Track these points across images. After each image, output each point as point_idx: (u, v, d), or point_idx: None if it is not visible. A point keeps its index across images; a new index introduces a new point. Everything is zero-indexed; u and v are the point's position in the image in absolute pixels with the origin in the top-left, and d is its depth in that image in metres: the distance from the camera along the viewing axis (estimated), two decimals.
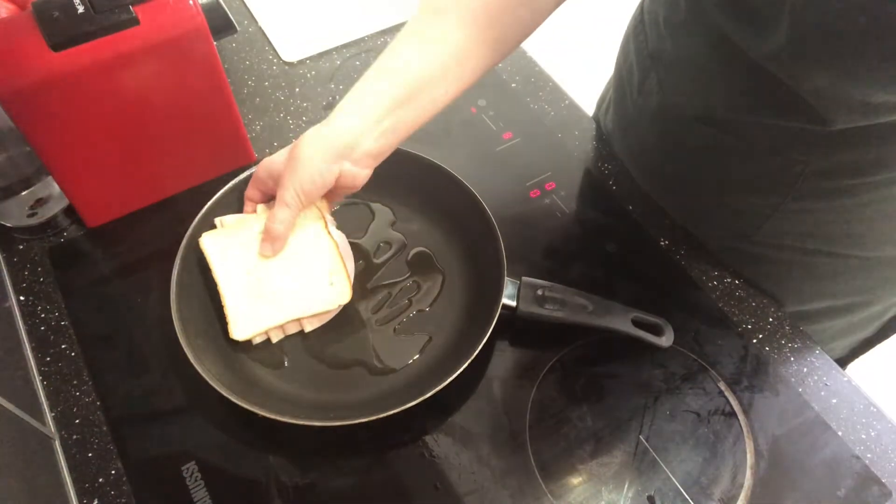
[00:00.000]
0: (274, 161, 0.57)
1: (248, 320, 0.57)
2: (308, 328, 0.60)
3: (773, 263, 0.66)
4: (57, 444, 0.56)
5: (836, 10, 0.42)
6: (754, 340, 0.63)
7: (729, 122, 0.59)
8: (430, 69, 0.53)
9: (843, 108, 0.50)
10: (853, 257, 0.63)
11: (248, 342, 0.59)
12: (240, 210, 0.64)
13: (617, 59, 0.77)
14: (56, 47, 0.54)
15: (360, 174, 0.55)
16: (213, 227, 0.62)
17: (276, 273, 0.59)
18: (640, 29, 0.69)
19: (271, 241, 0.58)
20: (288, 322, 0.58)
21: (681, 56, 0.61)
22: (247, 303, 0.58)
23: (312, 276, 0.59)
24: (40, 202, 0.69)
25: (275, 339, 0.59)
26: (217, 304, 0.61)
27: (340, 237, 0.62)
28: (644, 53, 0.68)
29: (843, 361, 0.80)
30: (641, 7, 0.70)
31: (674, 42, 0.62)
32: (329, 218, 0.61)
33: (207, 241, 0.60)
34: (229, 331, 0.57)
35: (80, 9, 0.55)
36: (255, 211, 0.61)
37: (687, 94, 0.62)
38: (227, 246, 0.60)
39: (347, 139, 0.52)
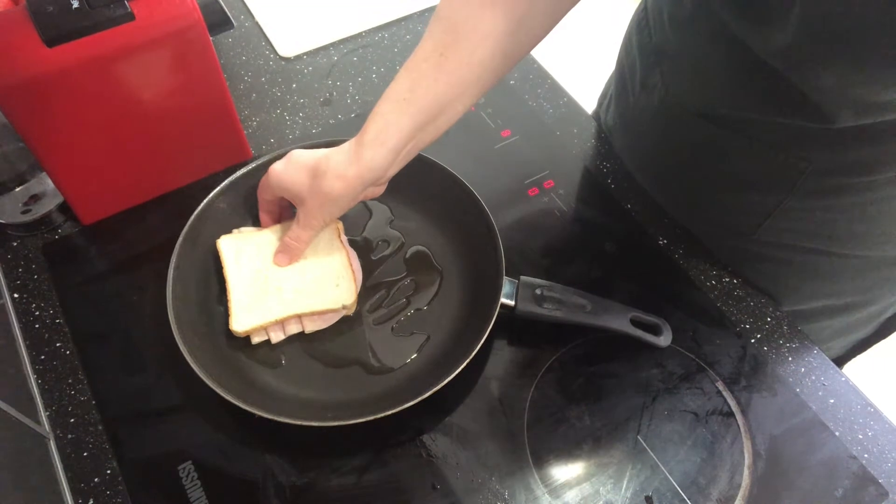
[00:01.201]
0: (286, 179, 0.56)
1: (249, 313, 0.58)
2: (309, 328, 0.60)
3: (773, 262, 0.66)
4: (52, 443, 0.56)
5: (846, 7, 0.42)
6: (752, 340, 0.63)
7: (732, 118, 0.59)
8: (453, 92, 0.52)
9: (849, 106, 0.49)
10: (853, 257, 0.63)
11: (248, 342, 0.59)
12: (238, 208, 0.65)
13: (618, 55, 0.77)
14: (50, 43, 0.54)
15: (379, 191, 0.60)
16: (214, 222, 0.63)
17: (284, 273, 0.61)
18: (643, 25, 0.69)
19: (288, 254, 0.60)
20: (289, 319, 0.59)
21: (685, 52, 0.61)
22: (251, 297, 0.59)
23: (319, 278, 0.60)
24: (34, 199, 0.68)
25: (275, 340, 0.59)
26: (214, 303, 0.61)
27: (350, 251, 0.64)
28: (648, 49, 0.67)
29: (841, 360, 0.80)
30: (645, 3, 0.70)
31: (678, 38, 0.62)
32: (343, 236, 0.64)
33: (224, 242, 0.62)
34: (230, 323, 0.57)
35: (75, 4, 0.55)
36: (274, 220, 0.63)
37: (690, 90, 0.62)
38: (242, 248, 0.62)
39: (375, 175, 0.54)
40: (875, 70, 0.44)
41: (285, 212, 0.64)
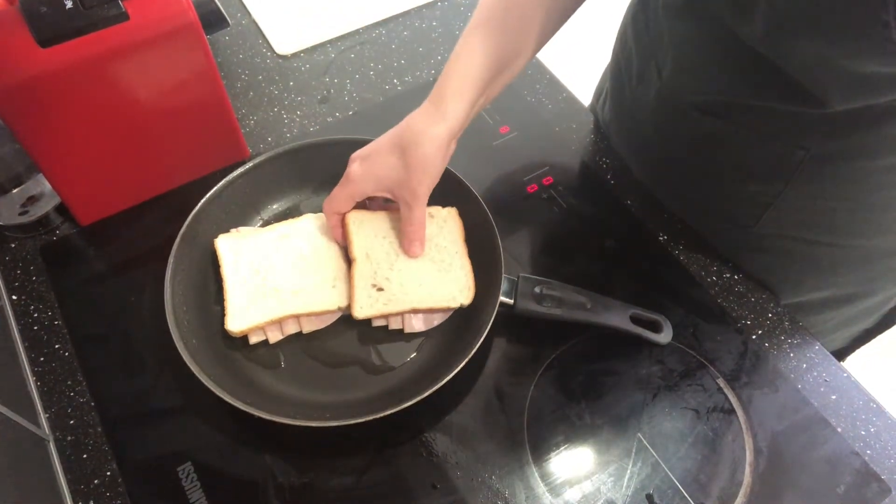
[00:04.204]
0: (376, 171, 0.57)
1: (245, 313, 0.58)
2: (306, 329, 0.60)
3: (774, 254, 0.65)
4: (51, 445, 0.56)
5: None
6: (754, 336, 0.62)
7: (728, 108, 0.58)
8: (517, 46, 0.56)
9: (836, 84, 0.49)
10: (854, 247, 0.63)
11: (247, 342, 0.59)
12: (236, 207, 0.65)
13: (614, 48, 0.76)
14: (44, 43, 0.53)
15: (452, 150, 0.59)
16: (212, 222, 0.63)
17: (282, 273, 0.60)
18: (639, 17, 0.68)
19: (418, 240, 0.60)
20: (286, 319, 0.58)
21: (680, 41, 0.61)
22: (248, 297, 0.59)
23: (316, 279, 0.60)
24: (32, 200, 0.68)
25: (272, 340, 0.59)
26: (212, 303, 0.61)
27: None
28: (644, 41, 0.67)
29: (844, 352, 0.80)
30: None
31: (673, 27, 0.61)
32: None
33: (222, 242, 0.62)
34: (226, 322, 0.57)
35: (69, 4, 0.54)
36: (340, 224, 0.61)
37: (686, 80, 0.61)
38: (239, 247, 0.61)
39: (458, 127, 0.56)
40: (851, 41, 0.44)
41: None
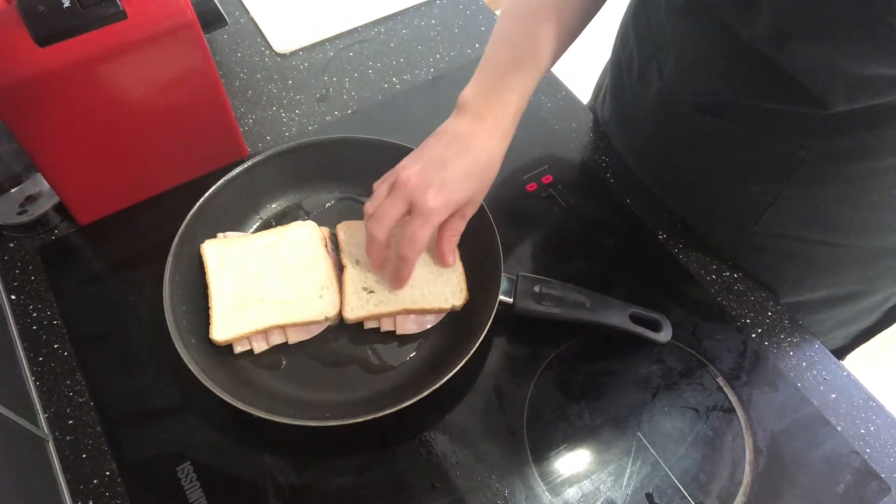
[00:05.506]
0: (460, 199, 0.55)
1: (230, 322, 0.57)
2: (292, 339, 0.59)
3: (774, 254, 0.65)
4: (50, 445, 0.56)
5: None
6: (753, 335, 0.62)
7: (730, 107, 0.58)
8: (554, 49, 0.59)
9: (839, 86, 0.49)
10: (854, 247, 0.63)
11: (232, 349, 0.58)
12: (234, 207, 0.65)
13: (614, 47, 0.76)
14: (42, 42, 0.53)
15: None
16: (211, 221, 0.62)
17: (268, 282, 0.59)
18: (640, 16, 0.68)
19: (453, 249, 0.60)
20: (271, 329, 0.58)
21: (682, 41, 0.60)
22: (233, 306, 0.58)
23: (303, 289, 0.59)
24: (30, 199, 0.68)
25: (257, 350, 0.58)
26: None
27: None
28: (646, 40, 0.67)
29: (844, 350, 0.80)
30: None
31: (675, 27, 0.61)
32: (330, 245, 0.63)
33: (208, 247, 0.61)
34: (210, 331, 0.57)
35: (66, 3, 0.54)
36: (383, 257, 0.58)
37: (688, 80, 0.61)
38: (226, 253, 0.61)
39: (519, 114, 0.59)
40: (856, 44, 0.44)
41: None
